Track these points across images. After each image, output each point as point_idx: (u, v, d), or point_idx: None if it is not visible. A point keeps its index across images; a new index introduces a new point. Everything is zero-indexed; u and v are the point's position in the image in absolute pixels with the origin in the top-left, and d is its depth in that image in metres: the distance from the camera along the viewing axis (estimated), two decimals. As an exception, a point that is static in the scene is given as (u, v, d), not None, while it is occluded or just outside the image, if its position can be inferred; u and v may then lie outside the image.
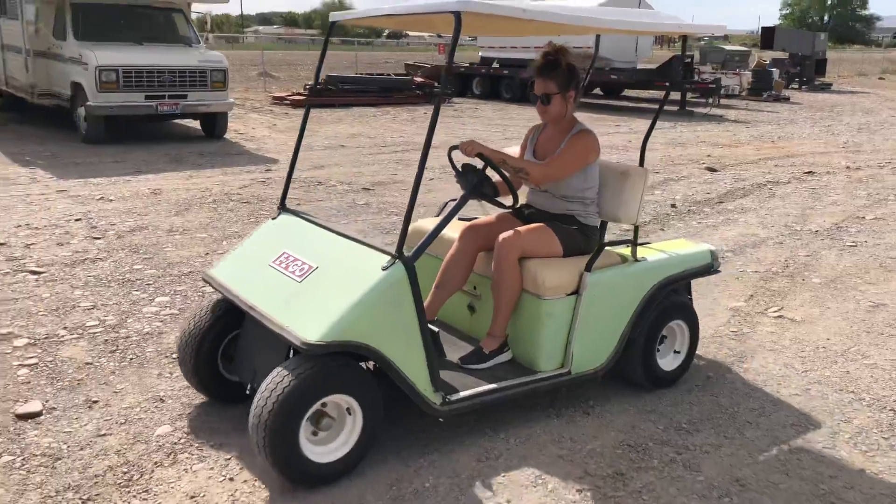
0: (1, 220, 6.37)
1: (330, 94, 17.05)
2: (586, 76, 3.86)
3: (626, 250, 3.57)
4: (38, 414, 3.23)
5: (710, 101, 19.27)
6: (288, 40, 65.58)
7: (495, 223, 3.48)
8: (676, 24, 3.62)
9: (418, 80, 19.39)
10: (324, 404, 2.69)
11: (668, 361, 3.67)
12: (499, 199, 3.29)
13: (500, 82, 20.28)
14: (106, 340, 4.01)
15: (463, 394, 2.97)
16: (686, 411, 3.46)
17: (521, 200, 3.50)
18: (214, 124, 11.42)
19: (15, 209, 6.74)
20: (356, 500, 2.71)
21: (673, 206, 7.70)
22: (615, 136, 13.21)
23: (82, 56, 10.08)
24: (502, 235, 3.29)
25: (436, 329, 3.10)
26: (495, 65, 20.98)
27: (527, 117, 15.56)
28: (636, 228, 3.54)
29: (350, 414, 2.76)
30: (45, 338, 4.02)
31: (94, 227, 6.21)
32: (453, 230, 3.43)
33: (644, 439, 3.20)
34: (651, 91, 21.21)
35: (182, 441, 3.06)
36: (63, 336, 4.05)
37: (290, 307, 2.80)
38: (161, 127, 12.25)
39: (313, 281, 2.87)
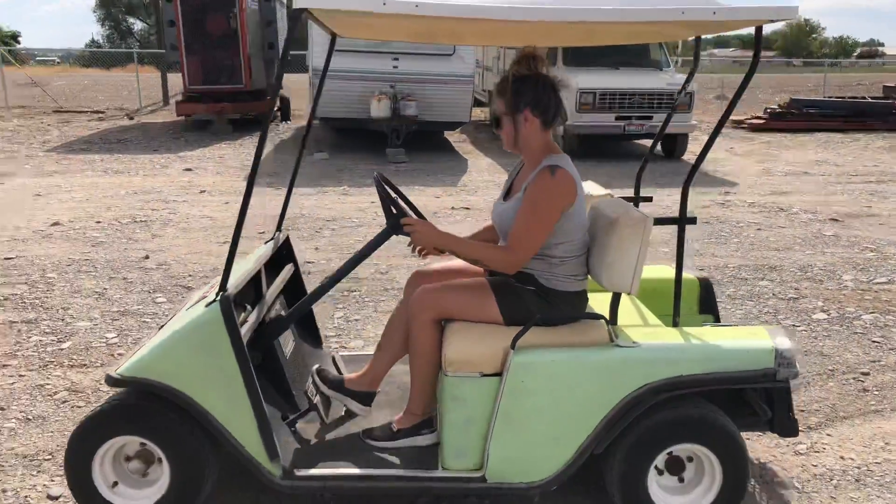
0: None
1: (792, 117, 16.18)
2: (682, 89, 3.09)
3: (637, 327, 2.63)
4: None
5: None
6: (743, 63, 63.41)
7: (448, 272, 2.81)
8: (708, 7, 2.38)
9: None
10: (136, 447, 2.52)
11: (685, 502, 2.55)
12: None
13: None
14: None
15: (315, 471, 2.48)
16: None
17: None
18: (675, 145, 11.85)
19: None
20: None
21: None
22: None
23: (567, 80, 11.37)
24: (420, 288, 2.67)
25: (315, 392, 2.74)
26: None
27: None
28: (615, 296, 2.56)
29: (160, 462, 2.52)
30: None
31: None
32: None
33: None
34: None
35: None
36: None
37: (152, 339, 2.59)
38: (624, 146, 13.13)
39: (180, 315, 2.66)
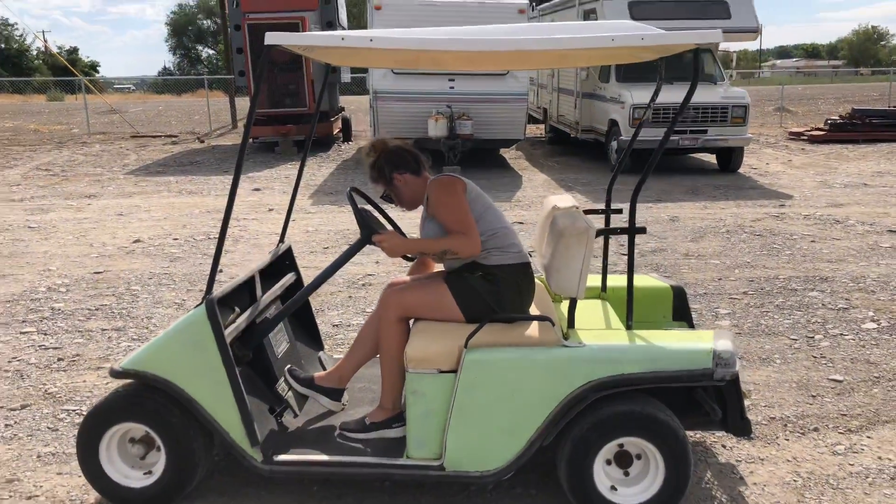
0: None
1: (853, 128, 15.90)
2: (649, 104, 3.18)
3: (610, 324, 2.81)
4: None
5: None
6: (807, 73, 61.92)
7: (418, 284, 3.02)
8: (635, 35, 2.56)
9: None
10: (142, 433, 2.79)
11: (630, 493, 2.69)
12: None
13: None
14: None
15: (292, 457, 2.73)
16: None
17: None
18: (730, 158, 11.85)
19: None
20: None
21: None
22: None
23: (620, 96, 11.56)
24: (387, 288, 2.95)
25: (287, 389, 3.04)
26: None
27: None
28: (573, 301, 2.75)
29: (158, 449, 2.79)
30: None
31: (622, 246, 7.26)
32: None
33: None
34: None
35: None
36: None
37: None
38: (678, 160, 13.17)
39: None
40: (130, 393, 2.79)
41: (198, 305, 2.74)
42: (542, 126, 17.52)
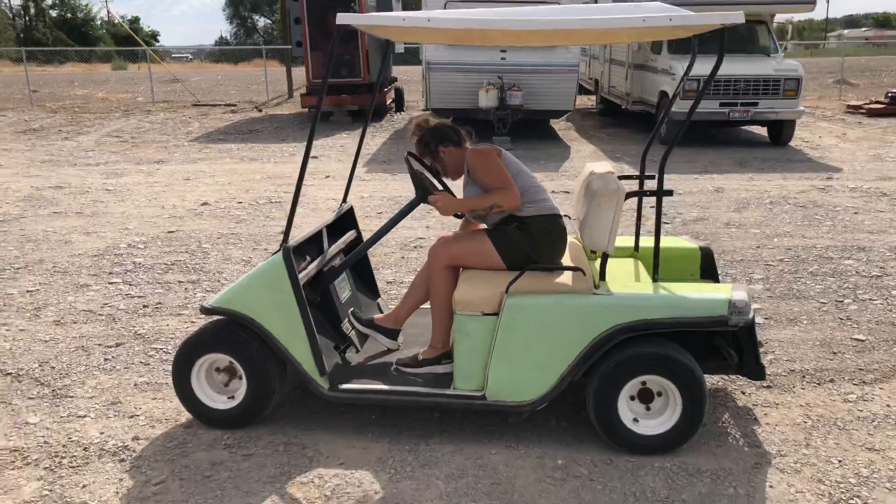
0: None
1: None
2: (680, 81, 3.40)
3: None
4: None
5: None
6: (876, 44, 59.58)
7: (463, 236, 3.40)
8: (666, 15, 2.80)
9: None
10: (226, 363, 3.22)
11: (651, 425, 3.03)
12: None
13: None
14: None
15: (353, 386, 3.14)
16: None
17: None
18: (781, 131, 11.84)
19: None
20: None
21: None
22: None
23: (671, 67, 11.62)
24: (436, 242, 3.31)
25: (350, 328, 3.49)
26: None
27: None
28: (605, 256, 3.04)
29: (240, 378, 3.20)
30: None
31: (665, 215, 7.48)
32: None
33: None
34: None
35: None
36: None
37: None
38: (730, 132, 13.17)
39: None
40: (217, 328, 3.23)
41: (275, 252, 3.15)
42: (594, 97, 17.58)
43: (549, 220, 3.27)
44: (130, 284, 5.43)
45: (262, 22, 66.44)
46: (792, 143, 12.00)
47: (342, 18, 2.87)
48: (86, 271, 5.75)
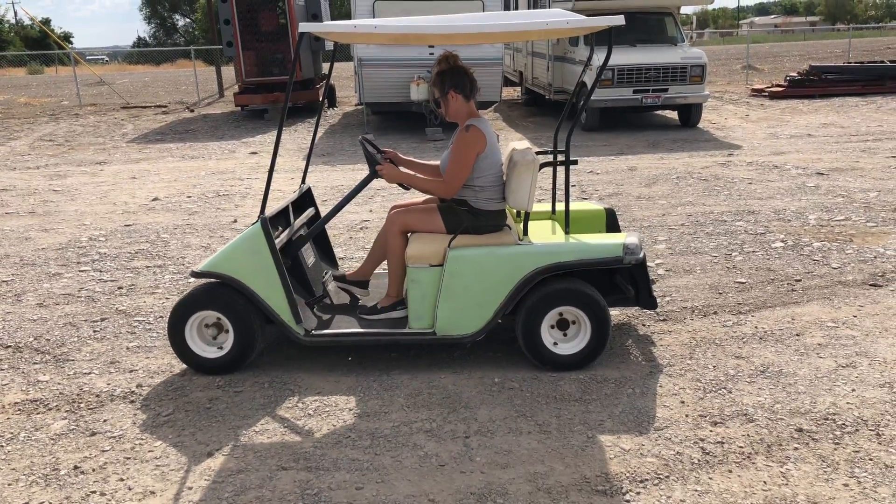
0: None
1: (811, 84, 16.98)
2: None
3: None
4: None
5: None
6: (785, 30, 62.80)
7: (416, 204, 4.02)
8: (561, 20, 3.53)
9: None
10: (214, 319, 3.79)
11: (567, 347, 3.77)
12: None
13: None
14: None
15: (325, 331, 3.76)
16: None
17: None
18: (690, 114, 12.91)
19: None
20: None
21: None
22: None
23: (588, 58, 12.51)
24: (392, 210, 3.95)
25: (327, 284, 4.24)
26: None
27: None
28: (526, 214, 3.78)
29: (227, 332, 3.79)
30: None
31: (584, 192, 8.32)
32: None
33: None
34: None
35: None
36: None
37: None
38: (643, 117, 14.20)
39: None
40: (206, 289, 3.81)
41: (254, 223, 3.75)
42: (519, 88, 18.46)
43: (499, 214, 3.84)
44: (101, 271, 5.89)
45: (181, 21, 65.36)
46: (700, 125, 13.08)
47: (304, 27, 3.49)
48: (54, 262, 6.17)
